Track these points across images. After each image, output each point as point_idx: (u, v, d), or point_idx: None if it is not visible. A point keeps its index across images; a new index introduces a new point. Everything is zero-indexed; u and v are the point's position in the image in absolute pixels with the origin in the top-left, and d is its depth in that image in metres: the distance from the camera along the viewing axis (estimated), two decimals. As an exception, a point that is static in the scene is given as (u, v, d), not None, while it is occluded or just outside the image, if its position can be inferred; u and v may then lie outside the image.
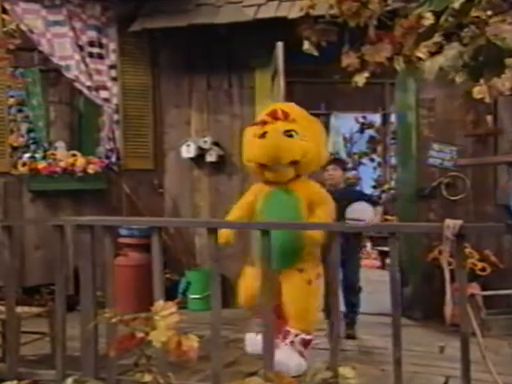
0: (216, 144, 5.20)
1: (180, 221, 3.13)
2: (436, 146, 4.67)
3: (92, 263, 2.72)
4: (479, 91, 2.09)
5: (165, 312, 1.86)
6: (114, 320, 1.92)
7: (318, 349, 3.76)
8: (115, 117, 5.28)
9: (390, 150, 9.22)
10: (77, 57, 5.07)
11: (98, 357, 2.84)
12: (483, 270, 4.23)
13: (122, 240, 4.81)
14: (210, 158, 5.18)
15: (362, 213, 3.98)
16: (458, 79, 1.93)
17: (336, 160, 4.51)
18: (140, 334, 1.84)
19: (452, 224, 2.11)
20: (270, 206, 3.40)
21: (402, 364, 2.22)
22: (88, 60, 5.16)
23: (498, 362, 2.84)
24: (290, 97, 4.39)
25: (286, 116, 3.39)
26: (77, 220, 2.69)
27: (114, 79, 5.29)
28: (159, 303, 1.92)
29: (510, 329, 3.98)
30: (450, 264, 4.09)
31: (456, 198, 4.59)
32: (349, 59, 2.53)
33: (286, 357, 3.21)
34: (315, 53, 2.73)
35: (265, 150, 3.31)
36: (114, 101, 5.28)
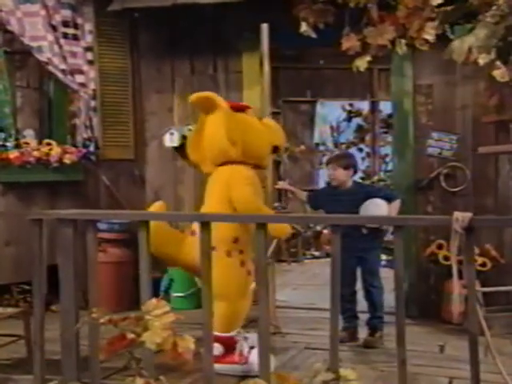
0: (201, 132, 5.15)
1: (171, 214, 3.09)
2: (434, 135, 4.69)
3: (74, 260, 2.67)
4: (501, 74, 2.08)
5: (158, 311, 1.83)
6: (102, 320, 1.88)
7: (311, 348, 3.78)
8: (92, 103, 5.21)
9: (380, 140, 9.28)
10: (50, 38, 4.97)
11: (80, 360, 2.81)
12: (483, 265, 4.26)
13: (100, 235, 4.76)
14: (195, 147, 5.13)
15: (375, 210, 3.88)
16: (482, 61, 1.90)
17: (336, 158, 4.31)
18: (131, 335, 1.81)
19: (461, 217, 2.10)
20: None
21: (406, 365, 2.21)
22: (62, 41, 5.07)
23: (502, 361, 2.87)
24: (273, 83, 4.39)
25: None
26: (58, 213, 2.64)
27: (91, 63, 5.21)
28: (151, 302, 1.89)
29: (511, 327, 4.02)
30: (448, 259, 4.20)
31: (455, 189, 4.63)
32: (350, 42, 2.52)
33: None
34: (313, 35, 2.72)
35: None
36: (91, 86, 5.21)
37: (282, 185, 4.84)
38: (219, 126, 3.41)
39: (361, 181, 4.19)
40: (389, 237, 4.24)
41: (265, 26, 4.09)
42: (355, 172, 4.21)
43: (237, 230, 3.35)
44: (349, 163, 4.14)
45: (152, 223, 3.31)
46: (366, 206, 3.92)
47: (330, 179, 4.24)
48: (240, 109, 3.58)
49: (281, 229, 3.33)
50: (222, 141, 3.40)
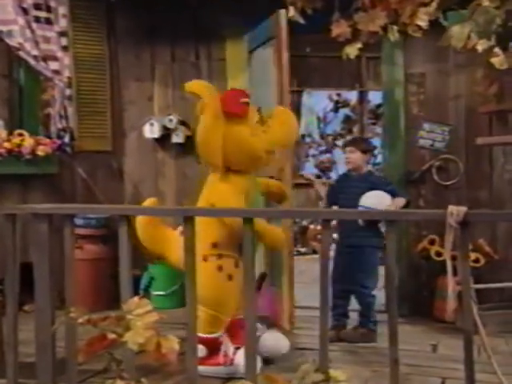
0: (183, 123, 5.14)
1: (152, 209, 3.07)
2: (426, 126, 4.71)
3: (49, 257, 2.65)
4: (500, 61, 2.09)
5: (140, 310, 1.83)
6: (80, 320, 1.87)
7: (299, 349, 3.79)
8: (67, 92, 5.14)
9: (368, 131, 9.30)
10: (21, 21, 4.89)
11: (56, 362, 2.79)
12: (477, 261, 4.30)
13: (76, 231, 4.70)
14: (177, 138, 5.12)
15: (376, 200, 3.89)
16: (481, 47, 1.91)
17: (354, 140, 4.40)
18: (111, 336, 1.81)
19: (456, 211, 2.11)
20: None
21: (399, 365, 2.23)
22: (34, 25, 4.98)
23: (497, 361, 2.90)
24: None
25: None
26: (33, 208, 2.61)
27: (65, 48, 5.14)
28: (132, 300, 1.89)
29: (505, 325, 4.06)
30: (440, 255, 4.23)
31: (448, 182, 4.66)
32: (340, 28, 2.52)
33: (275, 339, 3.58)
34: (301, 20, 2.71)
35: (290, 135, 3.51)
36: (66, 73, 5.14)
37: (307, 176, 4.85)
38: (200, 130, 3.45)
39: (374, 171, 4.19)
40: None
41: (282, 12, 3.97)
42: (372, 157, 4.22)
43: (216, 235, 3.35)
44: (367, 147, 4.21)
45: (142, 219, 3.33)
46: (368, 197, 3.93)
47: (346, 162, 4.26)
48: (234, 113, 3.36)
49: (277, 236, 3.37)
50: (201, 147, 3.47)
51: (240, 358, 3.30)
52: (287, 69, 4.10)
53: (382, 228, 3.92)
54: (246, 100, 3.34)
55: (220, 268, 3.38)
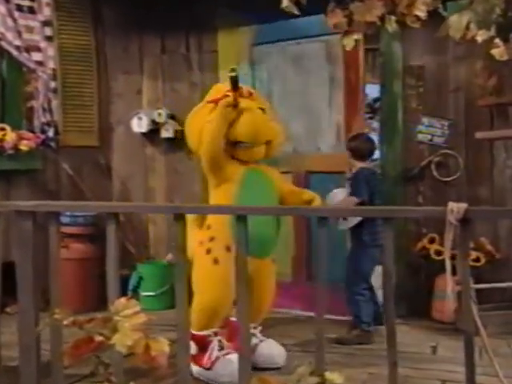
0: (172, 117, 5.15)
1: (142, 206, 3.05)
2: (425, 120, 4.71)
3: (33, 257, 2.64)
4: (500, 52, 2.09)
5: (128, 311, 1.83)
6: (65, 322, 1.87)
7: (294, 351, 3.79)
8: (51, 84, 5.14)
9: (365, 126, 9.29)
10: (2, 10, 4.88)
11: (40, 366, 2.78)
12: (477, 260, 4.31)
13: (62, 229, 4.70)
14: (166, 133, 5.13)
15: (333, 198, 4.14)
16: (480, 38, 1.92)
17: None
18: (98, 338, 1.80)
19: (456, 207, 2.11)
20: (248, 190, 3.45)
21: (397, 367, 2.23)
22: (16, 14, 4.98)
23: (498, 363, 2.91)
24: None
25: (249, 94, 3.54)
26: (17, 205, 2.60)
27: (49, 39, 5.14)
28: (120, 301, 1.88)
29: (507, 326, 4.08)
30: (440, 254, 4.24)
31: (448, 179, 4.66)
32: (335, 18, 2.51)
33: (273, 348, 3.57)
34: (295, 11, 2.70)
35: (253, 127, 3.41)
36: (50, 65, 5.14)
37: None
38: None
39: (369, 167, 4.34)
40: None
41: None
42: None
43: (210, 216, 3.41)
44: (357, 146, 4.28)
45: None
46: (329, 195, 4.17)
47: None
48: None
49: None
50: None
51: (221, 365, 3.32)
52: (363, 66, 4.22)
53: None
54: (232, 74, 3.36)
55: (208, 251, 3.39)
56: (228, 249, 3.31)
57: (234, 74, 3.33)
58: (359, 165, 4.20)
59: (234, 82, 3.37)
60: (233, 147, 3.45)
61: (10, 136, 4.87)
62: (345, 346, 3.95)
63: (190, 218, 3.14)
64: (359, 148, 4.23)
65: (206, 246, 3.40)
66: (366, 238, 4.07)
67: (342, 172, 4.41)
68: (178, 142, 5.15)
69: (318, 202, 3.52)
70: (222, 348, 3.42)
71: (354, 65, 4.69)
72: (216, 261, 3.36)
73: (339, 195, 4.18)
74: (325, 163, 4.78)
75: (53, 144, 5.11)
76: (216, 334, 3.44)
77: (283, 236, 4.79)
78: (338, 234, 4.32)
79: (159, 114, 5.14)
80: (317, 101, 4.93)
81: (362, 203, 4.00)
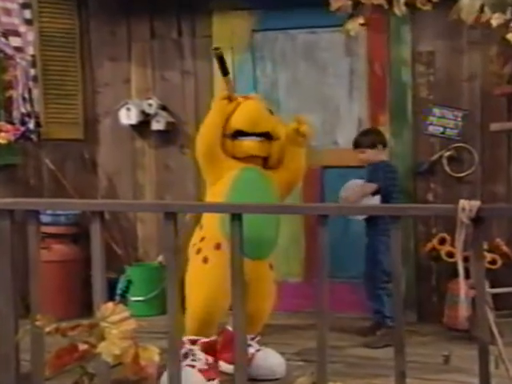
0: (163, 108, 5.14)
1: (132, 204, 3.06)
2: (437, 111, 4.72)
3: (11, 259, 2.65)
4: (516, 37, 2.09)
5: (115, 317, 1.83)
6: (47, 329, 1.87)
7: (295, 360, 3.81)
8: (31, 72, 5.14)
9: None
10: (-23, -9, 4.91)
11: (20, 377, 2.79)
12: (493, 262, 4.32)
13: (43, 229, 4.71)
14: (157, 125, 5.11)
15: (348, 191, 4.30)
16: (495, 22, 1.91)
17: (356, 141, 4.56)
18: (83, 346, 1.81)
19: (468, 205, 2.12)
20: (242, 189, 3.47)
21: (405, 378, 2.25)
22: (-8, -4, 5.01)
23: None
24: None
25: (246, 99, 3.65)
26: (-7, 202, 2.61)
27: (29, 22, 5.14)
28: (107, 306, 1.89)
29: (524, 334, 4.08)
30: (451, 256, 4.25)
31: (461, 174, 4.67)
32: (339, 1, 2.52)
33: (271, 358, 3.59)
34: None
35: (249, 113, 3.51)
36: (30, 51, 5.14)
37: None
38: None
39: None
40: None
41: None
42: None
43: (203, 216, 3.47)
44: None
45: None
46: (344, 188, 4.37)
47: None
48: None
49: None
50: None
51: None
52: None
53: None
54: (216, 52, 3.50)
55: (198, 251, 3.46)
56: (217, 247, 3.38)
57: (218, 51, 3.43)
58: (380, 157, 4.36)
59: (221, 61, 3.44)
60: (231, 141, 3.50)
61: (-13, 128, 4.88)
62: (372, 349, 4.07)
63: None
64: (382, 140, 4.40)
65: (198, 246, 3.48)
66: (382, 226, 4.13)
67: (360, 167, 4.43)
68: (170, 134, 5.17)
69: (303, 127, 3.56)
70: (194, 360, 3.37)
71: (378, 57, 4.81)
72: (205, 260, 3.42)
73: (353, 186, 4.32)
74: (342, 158, 4.81)
75: (33, 137, 5.10)
76: (194, 342, 3.41)
77: (294, 236, 4.89)
78: (354, 228, 4.54)
79: (149, 105, 5.13)
80: (334, 93, 4.99)
81: (378, 191, 4.21)
